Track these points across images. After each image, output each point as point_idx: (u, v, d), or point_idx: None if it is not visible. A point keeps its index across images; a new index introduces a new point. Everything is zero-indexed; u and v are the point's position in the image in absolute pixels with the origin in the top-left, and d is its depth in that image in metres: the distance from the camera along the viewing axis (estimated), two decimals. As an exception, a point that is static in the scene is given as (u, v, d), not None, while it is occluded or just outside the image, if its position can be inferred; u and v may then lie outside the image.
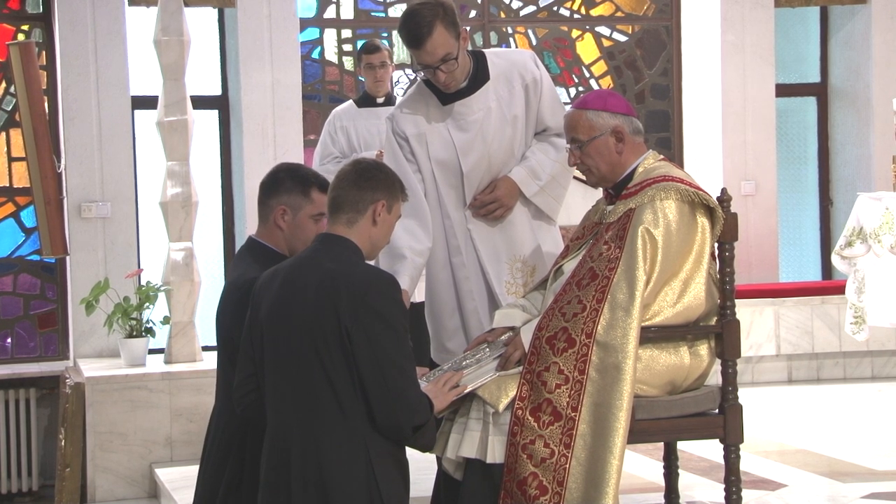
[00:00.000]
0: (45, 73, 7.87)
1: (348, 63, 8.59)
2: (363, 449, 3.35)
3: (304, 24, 8.42)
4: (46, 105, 7.52)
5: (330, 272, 3.38)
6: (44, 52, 7.96)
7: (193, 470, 6.90)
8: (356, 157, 3.89)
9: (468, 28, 8.61)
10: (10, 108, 8.00)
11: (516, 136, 4.44)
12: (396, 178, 3.59)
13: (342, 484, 3.35)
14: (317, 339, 3.36)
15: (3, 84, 8.03)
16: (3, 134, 8.05)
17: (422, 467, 4.92)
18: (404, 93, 8.10)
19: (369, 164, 3.58)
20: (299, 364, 3.40)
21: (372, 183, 3.50)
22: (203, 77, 8.25)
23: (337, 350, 3.34)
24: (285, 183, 3.84)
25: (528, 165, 4.43)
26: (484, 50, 4.63)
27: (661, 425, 3.88)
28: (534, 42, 8.78)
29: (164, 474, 6.70)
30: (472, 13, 8.67)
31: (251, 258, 3.86)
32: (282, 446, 3.42)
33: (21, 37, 8.02)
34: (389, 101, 7.55)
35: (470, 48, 4.43)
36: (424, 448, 3.57)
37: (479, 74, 4.40)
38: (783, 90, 8.93)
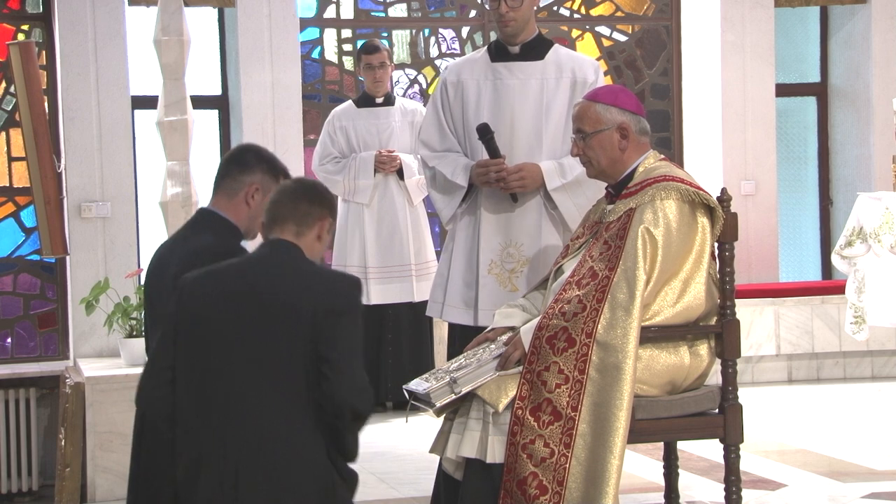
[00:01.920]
0: (45, 72, 7.86)
1: (348, 63, 8.59)
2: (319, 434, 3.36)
3: (304, 23, 8.42)
4: (46, 105, 7.51)
5: (297, 274, 3.40)
6: (44, 52, 7.96)
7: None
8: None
9: (468, 28, 8.63)
10: (10, 107, 7.99)
11: (548, 126, 4.48)
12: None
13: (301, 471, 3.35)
14: (283, 336, 3.33)
15: (3, 84, 8.03)
16: (3, 134, 8.04)
17: (422, 467, 4.93)
18: (403, 93, 8.12)
19: (316, 183, 3.64)
20: (274, 353, 3.35)
21: (321, 200, 3.55)
22: (203, 77, 8.25)
23: (306, 337, 3.33)
24: (261, 164, 3.85)
25: (559, 162, 4.48)
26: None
27: (661, 425, 3.88)
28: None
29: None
30: (473, 13, 8.67)
31: (210, 230, 3.82)
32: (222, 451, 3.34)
33: (21, 37, 8.02)
34: (388, 101, 7.56)
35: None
36: (349, 452, 3.47)
37: (536, 50, 4.53)
38: (783, 90, 8.93)
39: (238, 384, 3.32)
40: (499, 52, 4.57)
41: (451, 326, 4.67)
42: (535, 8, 4.61)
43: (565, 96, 4.51)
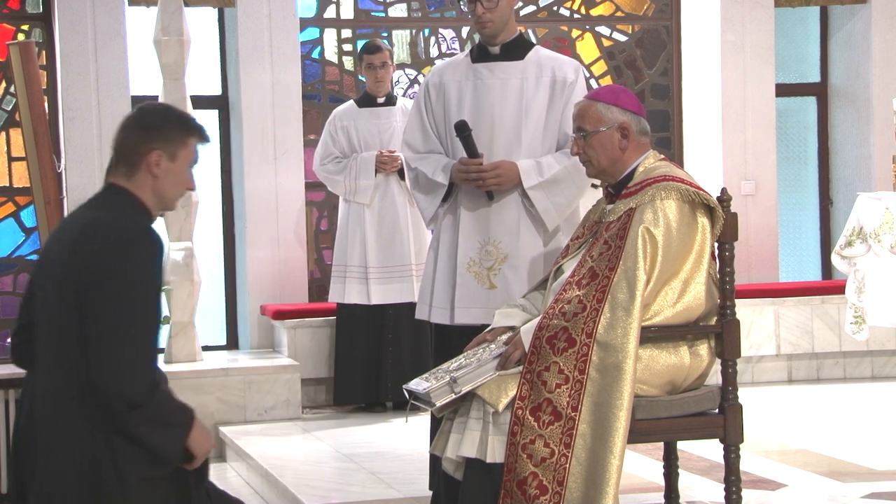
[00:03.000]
0: (45, 72, 7.87)
1: (348, 63, 8.59)
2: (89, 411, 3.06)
3: (304, 23, 8.43)
4: (46, 105, 7.51)
5: (75, 235, 3.13)
6: (44, 52, 7.96)
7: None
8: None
9: (468, 28, 8.62)
10: (10, 107, 8.00)
11: (528, 125, 4.49)
12: (176, 119, 3.30)
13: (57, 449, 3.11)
14: (61, 291, 3.10)
15: (3, 84, 8.03)
16: (3, 134, 8.05)
17: (421, 467, 4.93)
18: (404, 93, 8.14)
19: (143, 109, 3.31)
20: (48, 318, 3.15)
21: (142, 131, 3.23)
22: (203, 77, 8.25)
23: (73, 305, 3.07)
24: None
25: (537, 161, 4.49)
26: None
27: (661, 425, 3.88)
28: (534, 41, 8.78)
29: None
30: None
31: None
32: (26, 403, 3.23)
33: (21, 37, 8.02)
34: (390, 100, 7.56)
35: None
36: (157, 450, 3.11)
37: (517, 51, 4.56)
38: (783, 90, 8.93)
39: (38, 356, 3.21)
40: (480, 54, 4.61)
41: (435, 328, 4.69)
42: (515, 8, 4.66)
43: (545, 95, 4.53)
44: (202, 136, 3.34)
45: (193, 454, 3.17)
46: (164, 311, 7.35)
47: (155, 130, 3.22)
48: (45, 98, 7.57)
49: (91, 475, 3.06)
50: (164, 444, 3.11)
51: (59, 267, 3.14)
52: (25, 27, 8.08)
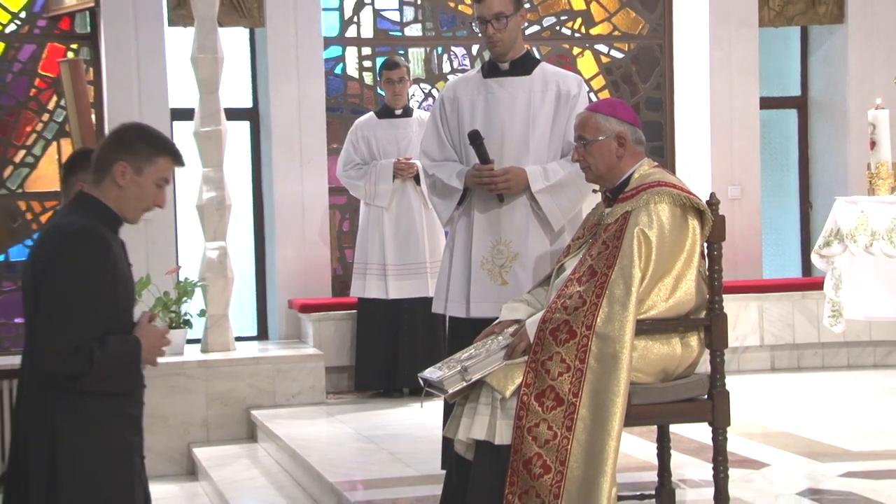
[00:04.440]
0: (92, 87, 7.88)
1: (368, 78, 8.59)
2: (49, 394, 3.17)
3: (328, 42, 8.43)
4: (93, 117, 7.53)
5: (52, 225, 3.27)
6: (91, 69, 7.98)
7: (228, 449, 6.95)
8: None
9: (478, 46, 8.62)
10: (61, 119, 8.02)
11: (535, 134, 4.48)
12: (148, 138, 3.34)
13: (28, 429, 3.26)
14: (28, 287, 3.23)
15: (55, 98, 8.06)
16: (55, 143, 8.07)
17: (435, 448, 4.92)
18: (419, 105, 8.13)
19: (125, 126, 3.37)
20: (25, 313, 3.29)
21: (115, 143, 3.28)
22: (235, 91, 8.26)
23: (32, 299, 3.20)
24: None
25: (544, 167, 4.48)
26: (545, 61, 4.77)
27: (655, 410, 3.87)
28: (539, 58, 8.77)
29: (201, 453, 6.72)
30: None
31: None
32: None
33: (70, 55, 8.04)
34: (407, 112, 7.56)
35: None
36: (124, 390, 3.25)
37: (524, 67, 4.55)
38: (766, 103, 8.91)
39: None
40: (490, 70, 4.60)
41: (450, 321, 4.68)
42: (522, 28, 4.64)
43: (550, 107, 4.52)
44: (175, 158, 3.34)
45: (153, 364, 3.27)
46: (201, 305, 7.37)
47: (126, 144, 3.25)
48: (93, 111, 7.59)
49: (53, 448, 3.16)
50: (123, 384, 3.22)
51: (28, 266, 3.27)
52: (75, 46, 8.10)
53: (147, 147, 3.28)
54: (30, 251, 3.35)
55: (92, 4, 7.84)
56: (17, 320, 7.80)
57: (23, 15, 8.02)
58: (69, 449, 3.16)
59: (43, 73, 8.06)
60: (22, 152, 8.06)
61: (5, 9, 7.99)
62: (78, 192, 3.30)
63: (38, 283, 3.15)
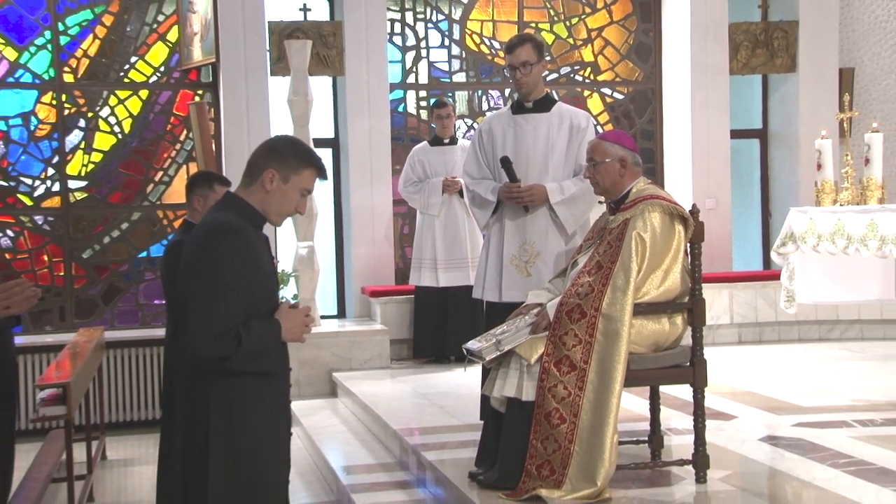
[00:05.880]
0: (213, 123, 7.94)
1: (424, 115, 8.58)
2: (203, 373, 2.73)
3: (393, 87, 8.43)
4: (213, 146, 7.59)
5: (201, 222, 2.80)
6: (212, 109, 8.03)
7: (315, 403, 6.95)
8: None
9: (509, 90, 8.58)
10: (189, 147, 8.09)
11: (553, 158, 4.46)
12: (297, 151, 2.85)
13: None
14: (182, 277, 2.78)
15: (185, 131, 8.12)
16: (185, 166, 8.14)
17: (475, 403, 4.90)
18: (463, 136, 8.05)
19: (277, 137, 2.91)
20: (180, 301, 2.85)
21: (267, 152, 2.83)
22: (321, 124, 8.29)
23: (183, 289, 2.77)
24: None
25: (560, 184, 4.46)
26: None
27: (648, 374, 3.83)
28: (557, 98, 8.72)
29: (294, 406, 6.74)
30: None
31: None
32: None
33: (197, 99, 8.10)
34: (453, 141, 7.55)
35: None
36: (271, 368, 2.81)
37: (545, 105, 4.54)
38: (735, 134, 8.82)
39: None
40: (518, 107, 4.58)
41: (486, 304, 4.66)
42: (543, 75, 4.61)
43: (565, 137, 4.49)
44: (319, 171, 2.89)
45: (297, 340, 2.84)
46: (294, 291, 7.39)
47: (277, 154, 2.81)
48: (214, 141, 7.64)
49: (206, 428, 2.74)
50: (269, 363, 2.79)
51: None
52: (200, 92, 8.16)
53: (296, 159, 2.82)
54: (165, 247, 3.24)
55: (213, 60, 7.89)
56: (157, 301, 7.87)
57: (162, 69, 8.11)
58: (220, 428, 2.72)
59: (176, 113, 8.13)
60: (160, 173, 8.13)
61: (149, 64, 8.09)
62: (226, 193, 2.88)
63: (187, 273, 2.73)
